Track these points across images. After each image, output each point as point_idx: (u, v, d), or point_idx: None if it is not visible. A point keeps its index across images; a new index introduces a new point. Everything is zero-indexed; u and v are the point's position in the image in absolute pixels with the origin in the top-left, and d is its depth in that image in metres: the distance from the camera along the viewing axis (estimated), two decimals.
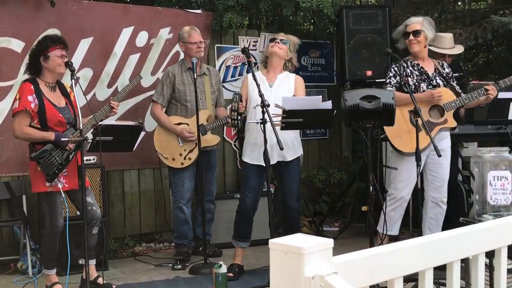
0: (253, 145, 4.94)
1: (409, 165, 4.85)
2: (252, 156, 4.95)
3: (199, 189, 5.64)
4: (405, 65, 4.98)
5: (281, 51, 5.05)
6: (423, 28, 4.95)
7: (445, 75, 5.00)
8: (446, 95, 4.85)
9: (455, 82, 5.04)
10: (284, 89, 4.95)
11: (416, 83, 4.92)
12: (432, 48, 5.88)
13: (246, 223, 5.03)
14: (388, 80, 5.00)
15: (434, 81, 4.95)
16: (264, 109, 4.39)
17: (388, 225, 4.87)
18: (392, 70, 5.02)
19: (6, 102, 5.51)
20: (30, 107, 4.44)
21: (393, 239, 5.00)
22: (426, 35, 4.96)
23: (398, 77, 4.94)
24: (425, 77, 4.96)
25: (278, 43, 5.07)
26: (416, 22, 5.00)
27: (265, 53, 5.22)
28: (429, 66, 5.03)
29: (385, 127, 4.87)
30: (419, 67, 4.99)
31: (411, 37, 4.93)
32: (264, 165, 4.66)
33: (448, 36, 5.98)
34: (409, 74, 4.94)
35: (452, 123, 4.84)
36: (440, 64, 5.08)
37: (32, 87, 4.49)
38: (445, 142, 4.94)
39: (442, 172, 4.95)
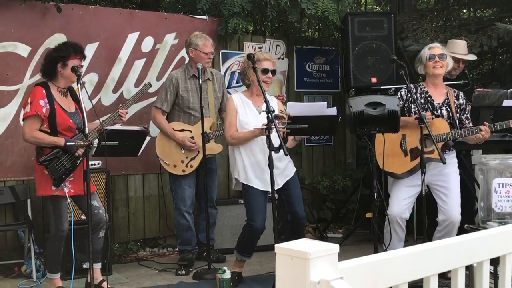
0: (256, 168, 4.80)
1: (394, 184, 4.92)
2: (258, 181, 4.81)
3: (200, 195, 5.65)
4: (414, 90, 4.94)
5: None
6: (446, 53, 4.97)
7: (456, 105, 4.94)
8: (440, 126, 4.79)
9: (466, 115, 4.96)
10: (263, 112, 4.65)
11: (417, 111, 4.84)
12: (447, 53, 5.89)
13: (254, 242, 4.97)
14: None
15: (439, 111, 4.90)
16: (269, 115, 4.37)
17: (391, 244, 4.87)
18: (399, 94, 5.02)
19: (12, 106, 5.54)
20: (42, 111, 4.45)
21: None
22: (448, 62, 4.95)
23: (402, 102, 4.93)
24: (429, 106, 4.92)
25: (271, 78, 4.90)
26: (439, 46, 5.00)
27: (247, 78, 4.89)
28: (439, 95, 4.96)
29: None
30: (427, 95, 4.95)
31: (437, 58, 4.87)
32: (268, 190, 4.70)
33: (462, 42, 5.99)
34: (415, 100, 4.87)
35: (437, 155, 4.63)
36: (455, 94, 5.00)
37: (44, 91, 4.51)
38: (434, 174, 4.85)
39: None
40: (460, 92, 5.08)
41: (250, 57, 4.71)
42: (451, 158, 4.89)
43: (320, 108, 4.69)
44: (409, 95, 4.92)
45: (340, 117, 4.72)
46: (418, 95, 4.96)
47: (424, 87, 4.99)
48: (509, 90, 5.42)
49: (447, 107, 4.93)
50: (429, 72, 4.93)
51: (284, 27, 7.42)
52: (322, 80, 7.55)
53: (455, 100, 4.98)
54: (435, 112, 4.91)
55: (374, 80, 6.56)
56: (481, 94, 5.34)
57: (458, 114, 4.95)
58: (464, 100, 5.02)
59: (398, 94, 5.03)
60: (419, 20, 7.31)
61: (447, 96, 4.97)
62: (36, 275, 5.23)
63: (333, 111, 4.71)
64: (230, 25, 6.41)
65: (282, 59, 7.18)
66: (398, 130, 4.59)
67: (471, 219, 5.50)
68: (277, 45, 7.14)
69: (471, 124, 4.94)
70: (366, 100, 4.44)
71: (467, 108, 5.04)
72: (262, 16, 7.22)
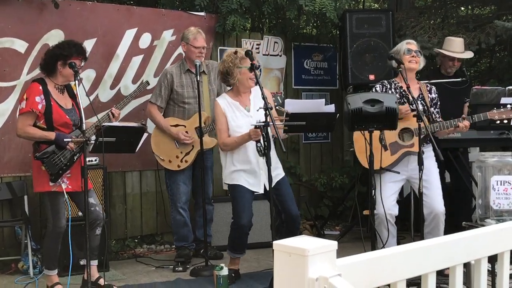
0: (247, 169, 4.80)
1: (378, 183, 4.88)
2: (249, 181, 4.81)
3: (196, 192, 5.64)
4: (388, 86, 4.97)
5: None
6: (421, 52, 5.02)
7: (429, 99, 4.97)
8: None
9: (437, 109, 5.01)
10: (261, 109, 4.56)
11: (416, 110, 4.86)
12: (442, 51, 5.88)
13: (244, 239, 4.93)
14: None
15: (414, 105, 4.91)
16: (267, 112, 4.36)
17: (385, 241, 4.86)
18: (373, 90, 5.04)
19: (9, 102, 5.52)
20: (37, 108, 4.45)
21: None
22: (421, 60, 4.99)
23: None
24: (405, 100, 4.92)
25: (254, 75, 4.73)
26: (415, 43, 5.06)
27: (232, 78, 4.79)
28: (413, 90, 4.94)
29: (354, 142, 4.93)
30: (401, 90, 4.96)
31: (414, 53, 4.91)
32: (258, 191, 4.77)
33: (458, 40, 5.98)
34: (415, 101, 4.87)
35: (417, 148, 4.68)
36: (428, 88, 5.06)
37: (40, 87, 4.51)
38: (414, 168, 4.79)
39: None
40: (433, 86, 5.12)
41: (248, 53, 4.64)
42: (429, 152, 4.89)
43: (318, 105, 4.69)
44: (384, 90, 4.95)
45: (338, 114, 4.72)
46: (393, 90, 4.97)
47: (398, 83, 5.01)
48: (507, 88, 5.43)
49: (422, 101, 4.96)
50: (405, 66, 4.95)
51: (282, 24, 7.41)
52: (320, 77, 7.55)
53: (429, 94, 5.01)
54: (411, 106, 4.92)
55: (372, 77, 6.55)
56: (479, 91, 5.34)
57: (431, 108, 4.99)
58: (436, 95, 5.06)
59: (373, 89, 5.03)
60: (417, 18, 7.30)
61: (421, 91, 5.01)
62: (33, 272, 5.23)
63: (331, 108, 4.71)
64: (228, 22, 6.40)
65: (280, 56, 7.18)
66: (396, 127, 4.58)
67: (469, 216, 5.51)
68: (275, 42, 7.13)
69: (441, 119, 4.96)
70: (364, 97, 4.43)
71: (438, 103, 5.06)
72: (260, 13, 7.21)
